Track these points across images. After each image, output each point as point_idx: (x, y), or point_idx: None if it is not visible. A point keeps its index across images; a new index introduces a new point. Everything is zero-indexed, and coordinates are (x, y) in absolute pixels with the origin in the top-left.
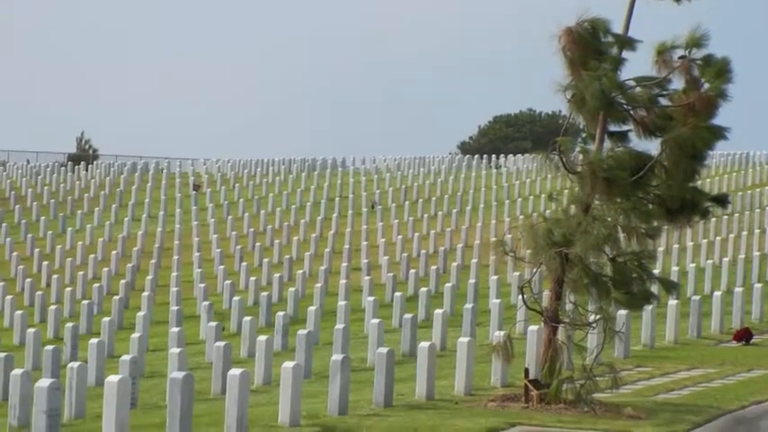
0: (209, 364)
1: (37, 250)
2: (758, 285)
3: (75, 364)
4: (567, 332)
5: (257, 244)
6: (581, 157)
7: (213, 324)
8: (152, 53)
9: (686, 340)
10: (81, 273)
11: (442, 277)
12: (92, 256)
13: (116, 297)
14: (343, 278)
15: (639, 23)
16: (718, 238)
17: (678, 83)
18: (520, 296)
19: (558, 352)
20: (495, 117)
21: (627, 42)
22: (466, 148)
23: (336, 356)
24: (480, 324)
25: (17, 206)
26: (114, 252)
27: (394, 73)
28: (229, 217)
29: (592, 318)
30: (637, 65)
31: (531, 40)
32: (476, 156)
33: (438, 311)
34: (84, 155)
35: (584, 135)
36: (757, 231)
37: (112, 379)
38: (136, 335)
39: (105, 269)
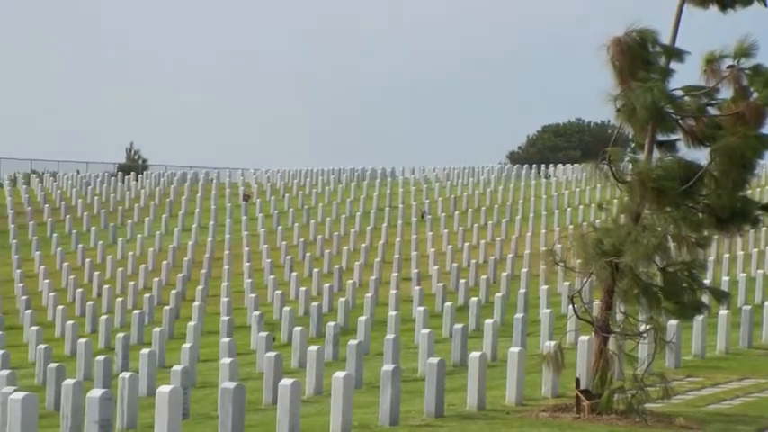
0: (260, 374)
1: (88, 260)
2: None
3: (126, 375)
4: (617, 342)
5: (307, 254)
6: (630, 166)
7: (264, 334)
8: (202, 64)
9: (737, 350)
10: (132, 283)
11: (492, 287)
12: (142, 266)
13: (167, 307)
14: (393, 288)
15: (686, 33)
16: None
17: (726, 92)
18: (570, 306)
19: (609, 362)
20: (543, 127)
21: (675, 53)
22: (515, 158)
23: (387, 366)
24: (531, 334)
25: (68, 216)
26: (165, 262)
27: (443, 83)
28: (279, 227)
29: (642, 328)
30: (684, 75)
31: (580, 50)
32: (525, 165)
33: (488, 321)
34: (133, 165)
35: (632, 145)
36: None
37: (164, 389)
38: (187, 345)
39: (156, 279)
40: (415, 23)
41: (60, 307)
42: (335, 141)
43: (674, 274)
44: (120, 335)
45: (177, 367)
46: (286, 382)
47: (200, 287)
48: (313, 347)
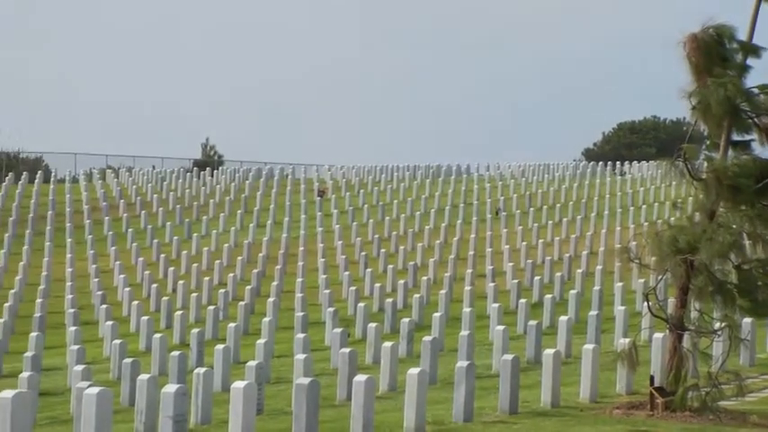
0: (335, 370)
1: (163, 256)
2: None
3: (201, 370)
4: (692, 340)
5: (382, 250)
6: (705, 164)
7: (338, 330)
8: (278, 60)
9: None
10: (207, 278)
11: (567, 284)
12: (217, 261)
13: (241, 303)
14: (467, 285)
15: (764, 29)
16: None
17: None
18: (645, 303)
19: (684, 359)
20: (619, 124)
21: (752, 49)
22: (590, 155)
23: (462, 363)
24: (605, 331)
25: (143, 212)
26: (240, 258)
27: (518, 79)
28: (354, 223)
29: (717, 325)
30: (761, 72)
31: (656, 46)
32: (600, 162)
33: (563, 318)
34: (209, 161)
35: (707, 142)
36: None
37: (238, 385)
38: (261, 340)
39: (231, 275)
40: (490, 20)
41: (135, 302)
42: (410, 138)
43: (748, 271)
44: (195, 330)
45: (252, 363)
46: (360, 378)
47: (274, 283)
48: (387, 344)
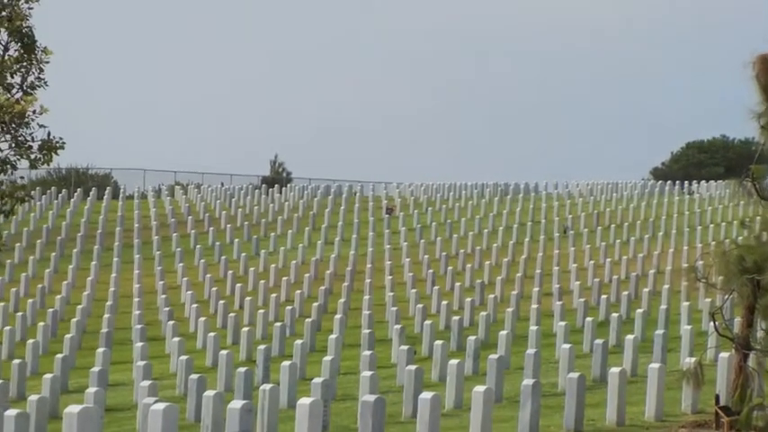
0: (401, 387)
1: (230, 272)
2: None
3: (267, 386)
4: (758, 359)
5: (449, 268)
6: None
7: (405, 348)
8: (349, 78)
9: None
10: (274, 295)
11: (634, 303)
12: (284, 278)
13: (308, 319)
14: (534, 303)
15: None
16: None
17: None
18: (711, 323)
19: (749, 379)
20: (687, 143)
21: None
22: (658, 174)
23: (527, 381)
24: (671, 350)
25: (211, 228)
26: (307, 275)
27: (586, 98)
28: (422, 241)
29: None
30: None
31: (724, 67)
32: (668, 181)
33: (629, 337)
34: (277, 177)
35: None
36: None
37: (304, 401)
38: (328, 357)
39: (298, 292)
40: (558, 34)
41: (202, 318)
42: (478, 156)
43: None
44: (262, 347)
45: (318, 379)
46: (426, 395)
47: (341, 300)
48: (453, 361)
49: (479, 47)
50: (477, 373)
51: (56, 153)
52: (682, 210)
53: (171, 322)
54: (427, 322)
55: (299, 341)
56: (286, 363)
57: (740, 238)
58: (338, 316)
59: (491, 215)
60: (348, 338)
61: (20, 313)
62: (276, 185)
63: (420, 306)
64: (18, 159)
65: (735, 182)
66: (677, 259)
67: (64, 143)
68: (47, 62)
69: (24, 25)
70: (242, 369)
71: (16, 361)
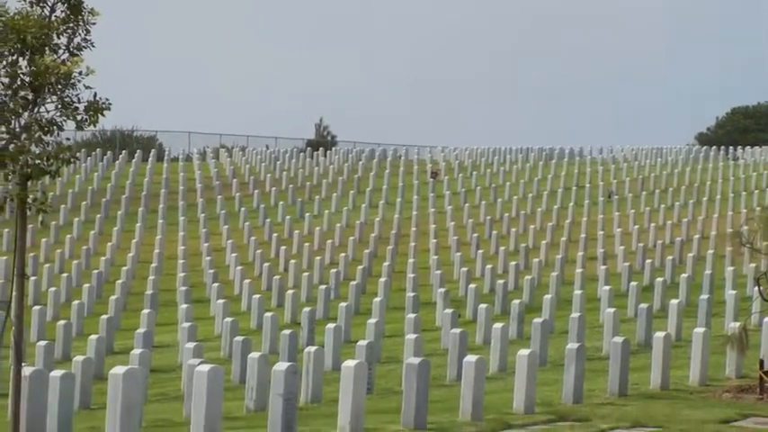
0: (445, 350)
1: (275, 235)
2: None
3: (312, 349)
4: None
5: (494, 232)
6: None
7: (449, 311)
8: (392, 43)
9: None
10: (318, 258)
11: (678, 268)
12: (329, 241)
13: (353, 282)
14: (578, 267)
15: None
16: None
17: None
18: (756, 288)
19: None
20: (733, 109)
21: None
22: (703, 140)
23: (572, 345)
24: (715, 315)
25: (256, 191)
26: (351, 238)
27: (632, 62)
28: (466, 205)
29: None
30: None
31: None
32: (713, 147)
33: (673, 302)
34: (322, 141)
35: None
36: None
37: (349, 364)
38: (372, 320)
39: (342, 254)
40: (610, 3)
41: (247, 281)
42: (524, 120)
43: None
44: (307, 309)
45: (362, 342)
46: (470, 358)
47: (386, 263)
48: (498, 325)
49: (526, 11)
50: (522, 337)
51: (102, 114)
52: (726, 175)
53: (216, 284)
54: (472, 286)
55: (343, 304)
56: (331, 325)
57: None
58: (383, 279)
59: (536, 179)
60: (392, 301)
61: (65, 275)
62: (321, 148)
63: (464, 269)
64: (64, 121)
65: None
66: (722, 224)
67: (110, 104)
68: (93, 23)
69: None
70: (287, 331)
71: (62, 322)
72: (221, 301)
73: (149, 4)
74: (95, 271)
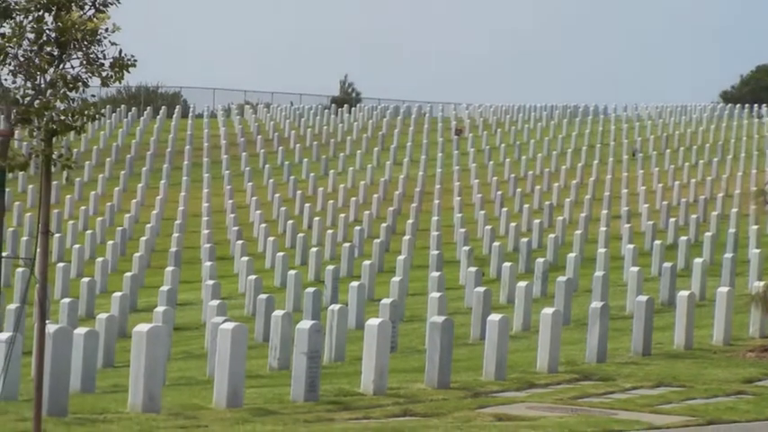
0: (469, 309)
1: (299, 192)
2: None
3: (335, 307)
4: None
5: (518, 190)
6: None
7: (473, 269)
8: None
9: None
10: (342, 215)
11: (702, 226)
12: (353, 198)
13: (377, 240)
14: (602, 225)
15: None
16: None
17: None
18: None
19: None
20: (757, 66)
21: None
22: (728, 98)
23: (596, 304)
24: (739, 274)
25: (280, 148)
26: (375, 195)
27: (656, 20)
28: (490, 162)
29: None
30: None
31: None
32: (737, 105)
33: (697, 260)
34: (347, 98)
35: None
36: None
37: (372, 322)
38: (396, 278)
39: (366, 212)
40: None
41: (271, 238)
42: (548, 77)
43: None
44: (330, 267)
45: (386, 300)
46: (494, 317)
47: (410, 221)
48: (522, 283)
49: None
50: (546, 296)
51: (127, 71)
52: (751, 133)
53: (239, 242)
54: (495, 244)
55: (367, 262)
56: (354, 283)
57: None
58: (407, 237)
59: (560, 137)
60: (416, 259)
61: (89, 231)
62: (346, 105)
63: (488, 228)
64: (89, 77)
65: None
66: (746, 183)
67: (136, 61)
68: None
69: None
70: (310, 289)
71: (85, 279)
72: (245, 258)
73: None
74: (119, 228)
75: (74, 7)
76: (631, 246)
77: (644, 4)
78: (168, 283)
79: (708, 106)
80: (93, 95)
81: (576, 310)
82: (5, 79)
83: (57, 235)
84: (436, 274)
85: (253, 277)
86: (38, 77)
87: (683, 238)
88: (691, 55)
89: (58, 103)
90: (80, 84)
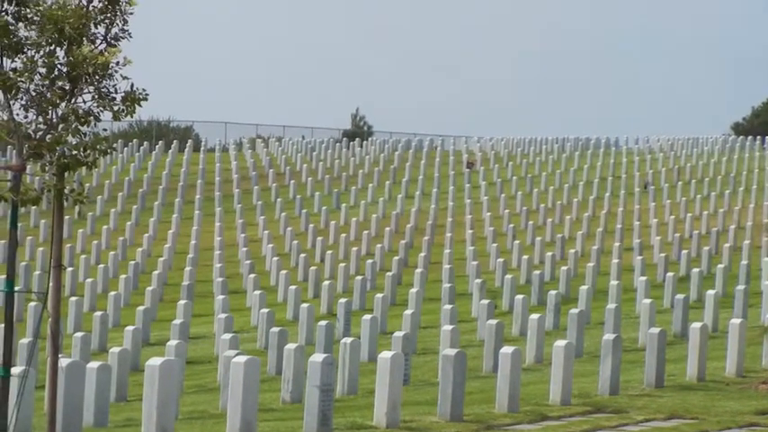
0: (481, 341)
1: (311, 226)
2: None
3: (348, 340)
4: None
5: (530, 222)
6: None
7: (485, 302)
8: (430, 34)
9: None
10: (354, 249)
11: (714, 258)
12: (365, 232)
13: (389, 273)
14: (614, 258)
15: None
16: None
17: None
18: None
19: None
20: None
21: None
22: (739, 130)
23: (608, 336)
24: (752, 306)
25: (292, 181)
26: (388, 228)
27: (666, 54)
28: (502, 195)
29: None
30: None
31: None
32: (749, 137)
33: (710, 292)
34: (358, 131)
35: None
36: None
37: (385, 355)
38: (408, 311)
39: (378, 245)
40: None
41: (283, 272)
42: (559, 110)
43: None
44: (343, 300)
45: (399, 333)
46: (507, 349)
47: (422, 254)
48: (534, 316)
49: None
50: (558, 328)
51: (139, 105)
52: (762, 165)
53: (252, 275)
54: (508, 276)
55: (379, 295)
56: (367, 316)
57: None
58: (419, 270)
59: (572, 170)
60: (429, 292)
61: (101, 266)
62: (357, 139)
63: (501, 260)
64: (101, 111)
65: None
66: (758, 215)
67: (147, 95)
68: (131, 14)
69: None
70: (323, 322)
71: (98, 313)
72: (257, 292)
73: None
74: (132, 262)
75: (85, 41)
76: (644, 278)
77: (654, 36)
78: (181, 317)
79: (719, 138)
80: (105, 129)
81: (589, 343)
82: (17, 114)
83: (69, 269)
84: (448, 306)
85: (265, 310)
86: (50, 112)
87: (696, 270)
88: (702, 87)
89: (69, 138)
90: (92, 118)
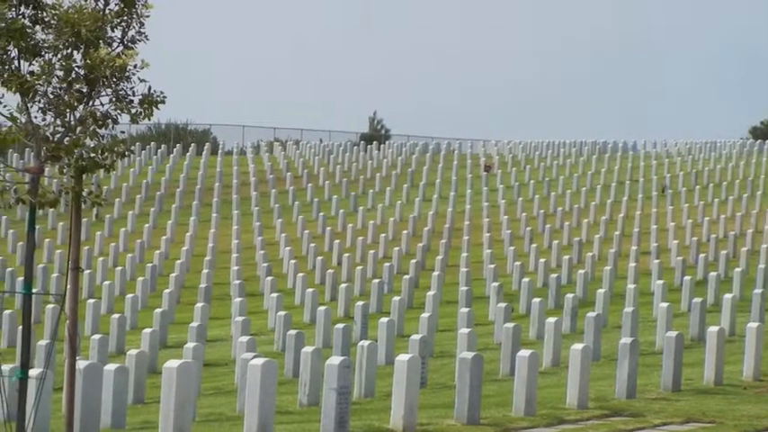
0: (498, 344)
1: (328, 229)
2: None
3: (365, 343)
4: None
5: (547, 226)
6: None
7: (502, 305)
8: (445, 36)
9: None
10: (371, 252)
11: (732, 262)
12: (382, 235)
13: (406, 276)
14: (632, 261)
15: None
16: None
17: None
18: None
19: None
20: None
21: None
22: (757, 133)
23: (625, 340)
24: None
25: (309, 184)
26: (405, 231)
27: (683, 58)
28: (519, 198)
29: None
30: None
31: None
32: (767, 141)
33: (727, 296)
34: (376, 134)
35: None
36: None
37: (402, 358)
38: (425, 314)
39: (396, 248)
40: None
41: (300, 275)
42: (577, 114)
43: None
44: (360, 303)
45: (416, 336)
46: (524, 353)
47: (439, 257)
48: (551, 319)
49: (578, 6)
50: (575, 331)
51: (156, 107)
52: None
53: (269, 278)
54: (525, 280)
55: (396, 298)
56: (384, 319)
57: None
58: (436, 273)
59: (589, 173)
60: (446, 295)
61: (119, 268)
62: (375, 142)
63: (518, 263)
64: (119, 114)
65: None
66: None
67: (165, 97)
68: (147, 16)
69: None
70: (340, 325)
71: (115, 315)
72: (275, 294)
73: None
74: (149, 264)
75: (102, 44)
76: (661, 281)
77: (672, 40)
78: (198, 320)
79: (737, 142)
80: (123, 132)
81: (606, 346)
82: (35, 117)
83: (87, 271)
84: (465, 309)
85: (282, 313)
86: (67, 115)
87: (713, 273)
88: (719, 91)
89: (87, 141)
90: (109, 121)
